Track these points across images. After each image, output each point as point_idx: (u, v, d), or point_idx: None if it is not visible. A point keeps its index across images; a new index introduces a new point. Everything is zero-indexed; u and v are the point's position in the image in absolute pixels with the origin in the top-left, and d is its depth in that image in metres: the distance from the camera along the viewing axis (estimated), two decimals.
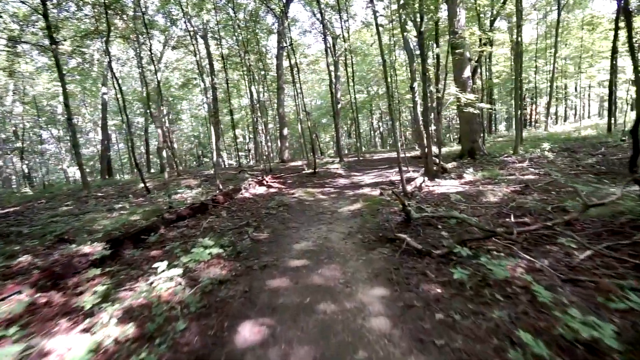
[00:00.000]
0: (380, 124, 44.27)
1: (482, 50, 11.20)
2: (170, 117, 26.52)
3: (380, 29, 19.65)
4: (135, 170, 22.54)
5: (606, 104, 33.73)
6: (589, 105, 32.67)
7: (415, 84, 8.47)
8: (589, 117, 30.53)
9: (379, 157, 18.01)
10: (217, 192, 9.00)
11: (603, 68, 24.91)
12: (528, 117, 32.96)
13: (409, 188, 7.38)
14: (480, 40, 8.34)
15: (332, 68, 18.51)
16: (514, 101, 11.33)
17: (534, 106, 34.38)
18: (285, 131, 18.14)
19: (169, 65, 23.63)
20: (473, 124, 10.84)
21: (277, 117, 19.07)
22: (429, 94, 17.05)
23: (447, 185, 7.26)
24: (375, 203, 6.18)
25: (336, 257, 3.73)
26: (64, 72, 18.85)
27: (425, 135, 8.18)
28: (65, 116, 11.83)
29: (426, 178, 7.95)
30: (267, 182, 10.09)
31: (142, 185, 12.71)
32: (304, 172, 12.47)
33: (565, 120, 30.01)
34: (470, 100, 8.58)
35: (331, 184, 9.60)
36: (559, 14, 18.87)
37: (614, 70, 13.89)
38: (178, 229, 5.54)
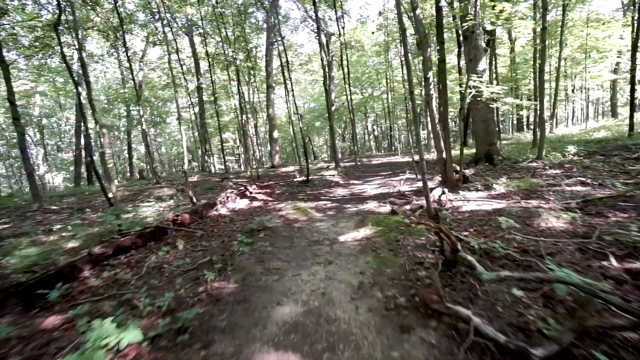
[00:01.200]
0: (375, 127, 42.89)
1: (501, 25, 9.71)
2: (153, 119, 24.66)
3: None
4: (130, 175, 20.60)
5: (594, 107, 32.82)
6: (587, 108, 31.67)
7: (430, 74, 6.89)
8: (586, 119, 29.48)
9: (377, 161, 16.42)
10: (191, 206, 7.28)
11: (606, 67, 23.92)
12: (525, 119, 31.86)
13: (424, 202, 5.77)
14: (499, 13, 6.84)
15: (325, 64, 16.96)
16: (537, 97, 9.84)
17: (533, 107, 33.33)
18: (276, 134, 16.47)
19: (149, 63, 21.82)
20: (490, 124, 9.32)
21: (267, 118, 17.38)
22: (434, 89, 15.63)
23: (476, 200, 5.66)
24: (389, 227, 4.53)
25: (345, 347, 2.07)
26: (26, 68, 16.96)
27: (444, 136, 6.59)
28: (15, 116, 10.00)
29: (446, 189, 6.35)
30: (250, 193, 8.40)
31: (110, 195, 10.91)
32: (295, 179, 10.81)
33: (565, 123, 28.90)
34: (496, 94, 7.03)
35: (327, 195, 7.94)
36: (564, 10, 17.62)
37: (633, 67, 12.53)
38: (112, 269, 3.82)
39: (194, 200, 7.78)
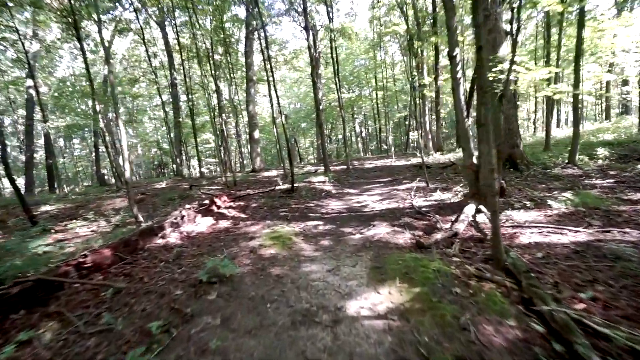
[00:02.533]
0: (362, 128, 41.39)
1: None
2: (121, 118, 22.13)
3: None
4: (118, 179, 18.19)
5: (580, 110, 32.16)
6: (579, 110, 31.13)
7: (457, 51, 5.14)
8: (576, 122, 28.80)
9: (371, 165, 14.66)
10: (136, 228, 5.26)
11: (600, 66, 23.10)
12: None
13: (460, 227, 3.99)
14: None
15: (313, 51, 15.12)
16: (573, 87, 8.35)
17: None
18: (257, 134, 14.47)
19: (117, 55, 19.40)
20: (512, 123, 7.69)
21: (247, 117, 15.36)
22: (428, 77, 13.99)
23: (531, 224, 3.91)
24: (429, 283, 2.63)
25: None
26: None
27: (481, 134, 4.82)
28: None
29: (481, 207, 4.59)
30: (218, 207, 6.41)
31: (42, 208, 8.66)
32: (278, 187, 8.88)
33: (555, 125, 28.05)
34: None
35: (318, 211, 6.06)
36: None
37: None
38: None
39: (139, 219, 5.74)
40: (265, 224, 5.23)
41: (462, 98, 5.31)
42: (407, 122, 33.18)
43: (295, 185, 8.55)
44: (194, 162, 37.41)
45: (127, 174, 5.71)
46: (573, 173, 6.55)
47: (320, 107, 24.21)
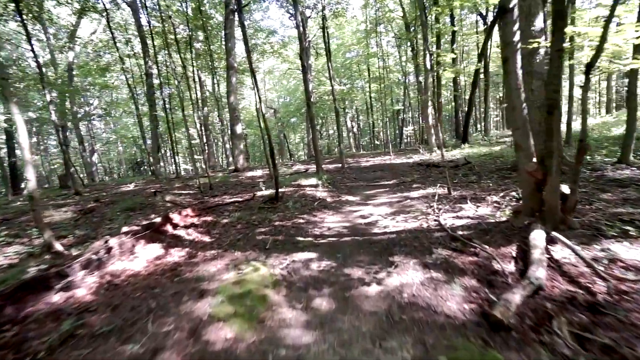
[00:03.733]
0: (354, 123, 39.77)
1: None
2: (90, 112, 19.94)
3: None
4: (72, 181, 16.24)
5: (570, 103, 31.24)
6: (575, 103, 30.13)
7: (515, 1, 3.54)
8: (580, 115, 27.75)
9: (367, 163, 13.06)
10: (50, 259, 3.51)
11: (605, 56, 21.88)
12: (499, 116, 29.81)
13: (540, 275, 2.40)
14: None
15: (301, 32, 13.39)
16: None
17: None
18: (239, 129, 12.67)
19: (82, 40, 17.19)
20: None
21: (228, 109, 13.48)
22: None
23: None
24: None
25: None
26: None
27: (548, 126, 3.21)
28: None
29: (556, 235, 3.00)
30: (175, 227, 4.68)
31: None
32: (260, 193, 7.19)
33: None
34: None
35: (309, 233, 4.39)
36: None
37: None
38: None
39: (55, 248, 3.97)
40: (233, 259, 3.54)
41: (519, 73, 3.70)
42: (400, 117, 31.77)
43: (281, 190, 6.87)
44: (179, 159, 35.27)
45: (32, 183, 3.91)
46: (634, 175, 5.05)
47: (311, 100, 22.47)
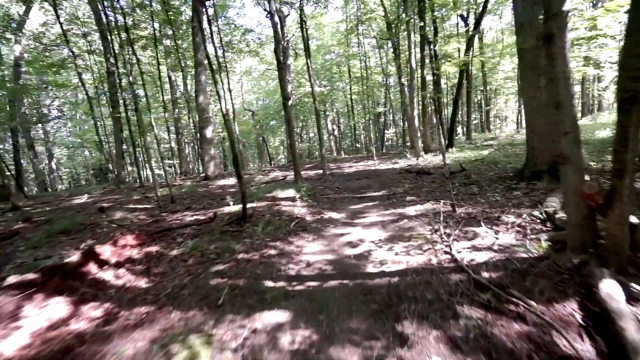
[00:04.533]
0: (335, 126, 38.95)
1: None
2: (43, 113, 17.90)
3: None
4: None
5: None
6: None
7: None
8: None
9: (351, 169, 12.09)
10: None
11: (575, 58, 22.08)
12: (484, 119, 29.91)
13: None
14: None
15: (279, 28, 12.38)
16: None
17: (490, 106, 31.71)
18: (210, 132, 11.37)
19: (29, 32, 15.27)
20: (562, 102, 5.36)
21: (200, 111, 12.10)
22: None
23: None
24: None
25: None
26: None
27: (630, 123, 2.31)
28: None
29: (637, 287, 2.08)
30: (103, 265, 3.45)
31: None
32: (227, 209, 6.02)
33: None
34: None
35: (281, 273, 3.25)
36: None
37: None
38: None
39: None
40: (166, 327, 2.38)
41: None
42: (382, 119, 31.22)
43: (252, 206, 5.73)
44: (153, 164, 33.04)
45: None
46: None
47: (290, 103, 21.38)
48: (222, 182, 11.12)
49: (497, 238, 3.34)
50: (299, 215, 5.26)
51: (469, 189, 5.82)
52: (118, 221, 6.18)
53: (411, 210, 4.95)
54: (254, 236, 4.35)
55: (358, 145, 35.07)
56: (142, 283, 3.20)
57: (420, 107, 12.56)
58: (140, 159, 13.72)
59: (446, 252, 3.21)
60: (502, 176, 6.46)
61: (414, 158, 11.78)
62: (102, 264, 3.48)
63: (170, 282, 3.18)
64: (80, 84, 11.39)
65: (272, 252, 3.82)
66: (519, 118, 23.15)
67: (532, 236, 3.25)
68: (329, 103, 33.11)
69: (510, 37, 22.66)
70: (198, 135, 13.81)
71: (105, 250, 3.63)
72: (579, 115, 23.46)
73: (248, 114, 29.48)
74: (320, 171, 10.39)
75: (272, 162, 32.47)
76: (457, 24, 21.62)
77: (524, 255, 2.86)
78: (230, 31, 18.71)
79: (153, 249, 4.11)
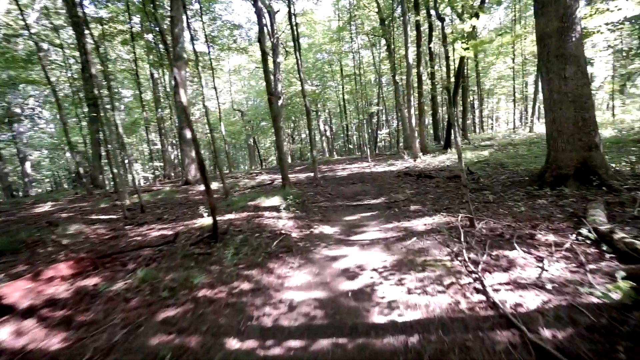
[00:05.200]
0: (327, 126, 38.10)
1: None
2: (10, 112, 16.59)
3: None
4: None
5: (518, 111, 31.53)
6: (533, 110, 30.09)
7: None
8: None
9: (344, 171, 11.22)
10: None
11: None
12: (477, 119, 29.46)
13: None
14: None
15: (268, 34, 11.61)
16: None
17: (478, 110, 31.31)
18: (189, 134, 10.36)
19: None
20: (586, 107, 4.56)
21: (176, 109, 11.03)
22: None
23: None
24: None
25: None
26: None
27: None
28: None
29: None
30: (9, 311, 2.49)
31: None
32: (198, 223, 5.08)
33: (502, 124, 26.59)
34: None
35: (255, 323, 2.31)
36: None
37: None
38: None
39: None
40: None
41: None
42: (374, 119, 30.48)
43: (230, 218, 4.82)
44: (137, 166, 31.69)
45: None
46: None
47: (280, 102, 20.47)
48: (203, 187, 10.13)
49: (542, 269, 2.49)
50: (283, 231, 4.34)
51: (481, 195, 4.98)
52: (70, 237, 5.18)
53: (419, 225, 4.09)
54: (224, 261, 3.42)
55: (350, 146, 34.33)
56: (54, 343, 2.25)
57: (416, 106, 11.77)
58: (128, 163, 12.59)
59: (478, 290, 2.35)
60: (516, 180, 5.67)
61: (411, 159, 10.98)
62: (6, 311, 2.51)
63: (95, 340, 2.23)
64: (46, 79, 10.24)
65: (245, 285, 2.90)
66: (514, 118, 22.67)
67: (592, 266, 2.42)
68: (320, 103, 32.28)
69: (503, 38, 22.20)
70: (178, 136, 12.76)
71: (14, 290, 2.66)
72: None
73: (238, 115, 28.40)
74: (312, 174, 9.48)
75: (263, 164, 31.43)
76: (452, 20, 21.03)
77: (596, 301, 2.01)
78: (217, 27, 17.73)
79: (90, 281, 3.15)
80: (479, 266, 2.66)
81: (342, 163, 14.77)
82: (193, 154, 10.60)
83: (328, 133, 38.55)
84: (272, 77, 9.51)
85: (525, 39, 19.64)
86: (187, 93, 10.71)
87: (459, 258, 2.90)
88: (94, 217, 6.90)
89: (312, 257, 3.51)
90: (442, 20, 16.17)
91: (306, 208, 5.73)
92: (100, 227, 5.91)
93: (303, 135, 37.27)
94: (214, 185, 10.17)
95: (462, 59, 12.16)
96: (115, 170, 8.28)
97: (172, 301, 2.68)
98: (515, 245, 2.94)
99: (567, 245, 2.80)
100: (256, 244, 3.87)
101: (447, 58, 16.79)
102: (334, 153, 34.73)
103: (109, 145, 8.69)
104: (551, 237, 3.01)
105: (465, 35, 6.25)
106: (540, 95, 19.52)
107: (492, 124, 34.00)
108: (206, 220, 5.03)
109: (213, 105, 31.04)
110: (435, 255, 3.08)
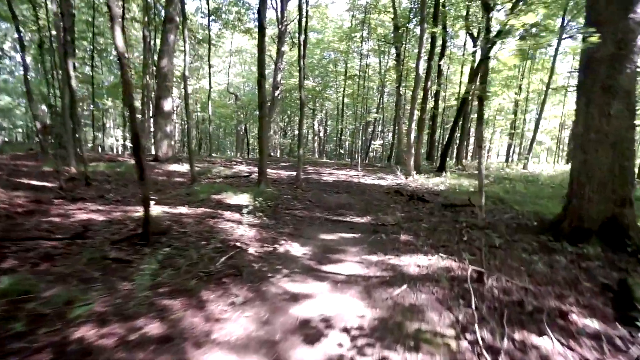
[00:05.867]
0: (321, 127, 37.20)
1: None
2: None
3: None
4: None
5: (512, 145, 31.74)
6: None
7: None
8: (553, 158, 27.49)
9: (330, 176, 10.32)
10: None
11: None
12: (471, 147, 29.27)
13: None
14: None
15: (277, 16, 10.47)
16: None
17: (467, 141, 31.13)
18: (168, 104, 9.24)
19: None
20: (627, 156, 3.83)
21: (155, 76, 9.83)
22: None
23: None
24: None
25: None
26: None
27: None
28: None
29: None
30: None
31: None
32: (136, 215, 4.03)
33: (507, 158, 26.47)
34: None
35: None
36: None
37: None
38: None
39: None
40: None
41: None
42: (370, 128, 29.77)
43: (180, 212, 3.82)
44: (118, 132, 29.77)
45: None
46: None
47: (277, 92, 19.39)
48: (173, 167, 9.00)
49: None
50: (239, 243, 3.38)
51: (484, 235, 4.17)
52: None
53: (410, 264, 3.21)
54: (141, 275, 2.43)
55: (342, 151, 33.54)
56: None
57: (417, 120, 11.00)
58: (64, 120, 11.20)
59: None
60: (522, 223, 4.91)
61: (403, 176, 10.20)
62: None
63: None
64: (11, 13, 8.82)
65: (154, 328, 1.93)
66: (510, 152, 22.44)
67: None
68: (319, 102, 31.37)
69: (509, 70, 21.99)
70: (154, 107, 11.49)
71: None
72: (564, 159, 23.01)
73: (232, 98, 27.08)
74: (294, 174, 8.53)
75: (249, 154, 30.16)
76: (465, 42, 20.58)
77: None
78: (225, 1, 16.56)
79: None
80: (499, 358, 1.79)
81: (330, 167, 13.88)
82: (168, 129, 9.45)
83: (321, 134, 37.66)
84: (267, 58, 8.54)
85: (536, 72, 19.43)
86: (172, 61, 9.53)
87: (468, 336, 2.03)
88: (24, 181, 5.72)
89: (266, 290, 2.57)
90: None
91: (277, 214, 4.77)
92: (23, 195, 4.77)
93: (296, 132, 36.20)
94: (184, 167, 9.06)
95: (464, 98, 11.58)
96: (60, 132, 7.08)
97: (21, 344, 1.68)
98: (546, 327, 2.09)
99: (619, 342, 1.97)
100: (197, 257, 2.90)
101: (461, 73, 16.20)
102: (324, 155, 33.85)
103: (64, 101, 7.46)
104: (591, 323, 2.19)
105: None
106: (540, 134, 19.03)
107: (483, 154, 33.95)
108: (153, 210, 4.00)
109: (208, 83, 29.67)
110: (433, 322, 2.19)
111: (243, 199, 5.09)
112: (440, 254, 3.41)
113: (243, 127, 29.70)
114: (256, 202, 4.96)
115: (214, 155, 20.16)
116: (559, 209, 5.23)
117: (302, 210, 5.24)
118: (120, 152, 18.63)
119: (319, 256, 3.37)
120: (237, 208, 4.67)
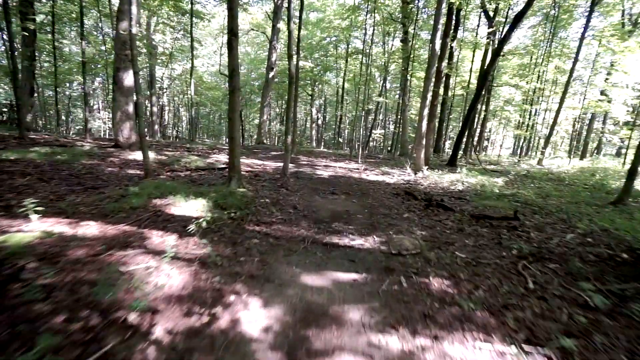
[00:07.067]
0: (320, 114, 35.28)
1: None
2: None
3: None
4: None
5: (518, 141, 29.86)
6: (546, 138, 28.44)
7: None
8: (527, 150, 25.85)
9: (327, 167, 8.69)
10: None
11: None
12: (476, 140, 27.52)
13: None
14: None
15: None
16: None
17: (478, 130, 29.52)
18: (129, 78, 7.50)
19: None
20: None
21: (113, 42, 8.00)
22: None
23: None
24: None
25: None
26: None
27: None
28: None
29: None
30: None
31: None
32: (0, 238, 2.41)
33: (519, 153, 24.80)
34: None
35: None
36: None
37: None
38: None
39: None
40: None
41: None
42: (370, 116, 27.90)
43: (79, 232, 2.18)
44: (105, 114, 27.83)
45: None
46: None
47: (272, 74, 17.45)
48: (136, 154, 7.32)
49: None
50: (137, 315, 1.78)
51: (559, 277, 2.60)
52: None
53: (454, 343, 1.64)
54: None
55: (340, 140, 31.77)
56: None
57: (429, 106, 9.23)
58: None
59: None
60: (603, 254, 3.32)
61: (411, 171, 8.60)
62: None
63: None
64: None
65: None
66: (521, 145, 20.76)
67: None
68: (318, 88, 29.41)
69: (519, 59, 20.10)
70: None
71: None
72: (578, 156, 21.21)
73: (224, 80, 25.04)
74: (281, 165, 6.88)
75: (244, 141, 28.36)
76: (478, 25, 18.65)
77: None
78: None
79: None
80: None
81: (327, 158, 12.23)
82: (130, 108, 7.71)
83: (320, 121, 35.74)
84: (261, 36, 6.71)
85: (552, 61, 17.59)
86: (133, 24, 7.72)
87: None
88: None
89: None
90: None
91: (240, 236, 3.16)
92: None
93: (296, 114, 34.34)
94: (151, 155, 7.39)
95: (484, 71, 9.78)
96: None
97: None
98: None
99: None
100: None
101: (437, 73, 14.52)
102: (322, 144, 32.07)
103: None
104: None
105: None
106: (558, 127, 17.07)
107: (486, 145, 32.33)
108: (32, 225, 2.38)
109: (199, 63, 27.49)
110: None
111: (195, 206, 3.48)
112: (517, 343, 1.81)
113: (239, 113, 27.81)
114: (215, 212, 3.35)
115: (198, 141, 18.42)
116: (628, 224, 3.70)
117: (281, 225, 3.63)
118: (74, 137, 16.76)
119: (292, 338, 1.78)
120: (181, 223, 3.06)
